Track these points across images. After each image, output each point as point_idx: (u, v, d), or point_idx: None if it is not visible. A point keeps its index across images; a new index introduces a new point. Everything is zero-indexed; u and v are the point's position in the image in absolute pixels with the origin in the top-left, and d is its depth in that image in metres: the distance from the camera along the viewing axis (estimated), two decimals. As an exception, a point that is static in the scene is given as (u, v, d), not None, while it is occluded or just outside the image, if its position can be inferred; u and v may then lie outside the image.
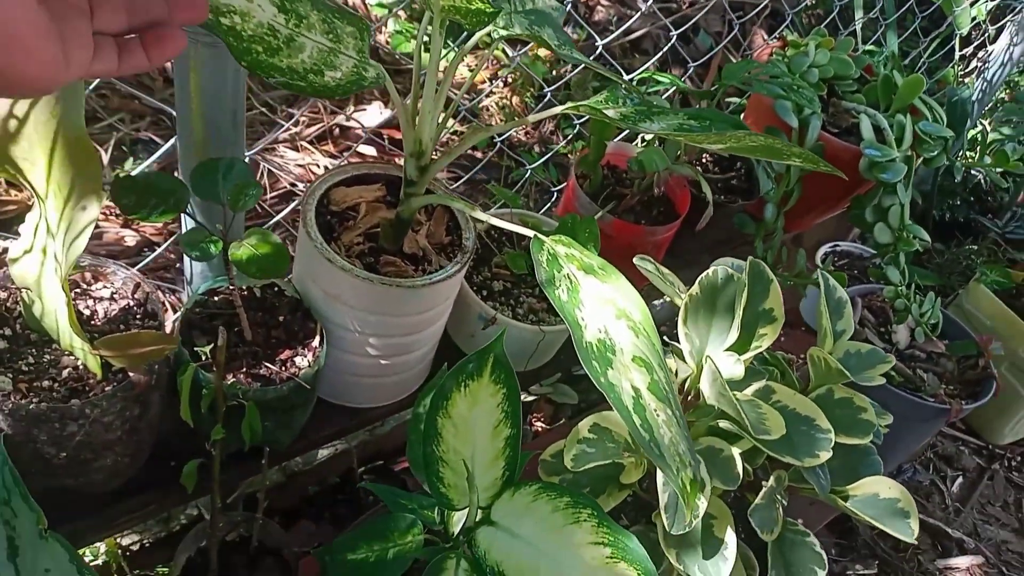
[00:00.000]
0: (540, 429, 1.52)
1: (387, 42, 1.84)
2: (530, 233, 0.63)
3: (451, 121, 0.70)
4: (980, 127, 2.16)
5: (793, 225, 1.38)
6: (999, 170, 1.48)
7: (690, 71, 1.59)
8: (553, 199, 1.49)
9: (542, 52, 1.96)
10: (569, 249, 0.62)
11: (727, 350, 0.72)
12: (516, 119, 1.70)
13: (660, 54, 1.83)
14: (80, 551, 1.18)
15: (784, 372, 0.82)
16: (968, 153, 2.07)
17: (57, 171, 0.64)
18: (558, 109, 0.66)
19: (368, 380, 0.93)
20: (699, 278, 0.74)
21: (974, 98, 2.03)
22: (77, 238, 0.65)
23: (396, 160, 1.77)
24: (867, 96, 1.31)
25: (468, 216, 0.90)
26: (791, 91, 1.14)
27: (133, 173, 0.69)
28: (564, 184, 1.47)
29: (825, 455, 0.72)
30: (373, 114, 1.77)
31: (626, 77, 1.06)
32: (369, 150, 1.77)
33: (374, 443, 1.37)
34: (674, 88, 1.21)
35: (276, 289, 0.86)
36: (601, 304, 0.58)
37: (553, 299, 0.57)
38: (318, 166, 1.68)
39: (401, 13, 1.97)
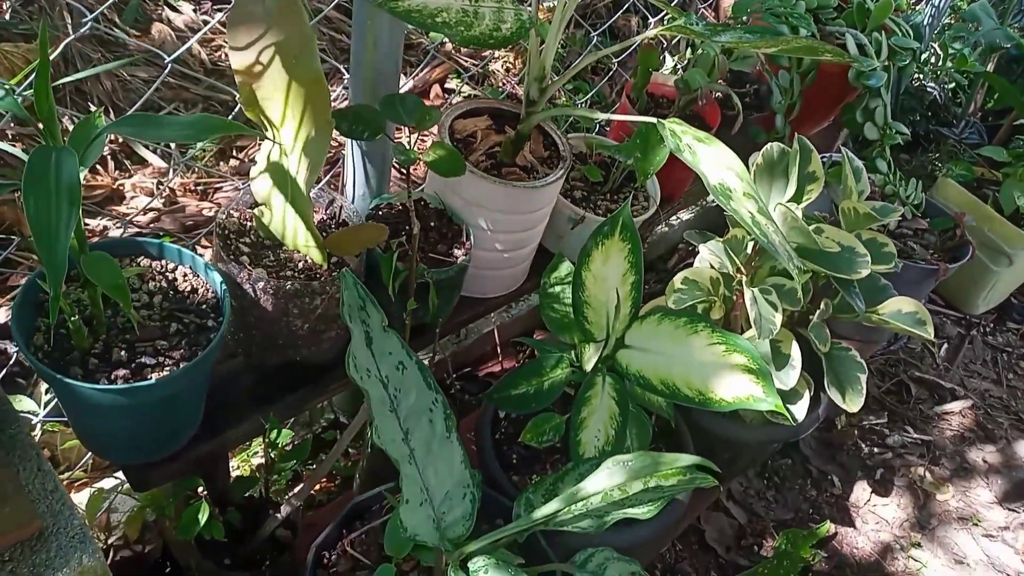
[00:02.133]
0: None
1: None
2: (653, 121, 0.86)
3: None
4: (932, 50, 2.45)
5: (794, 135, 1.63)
6: (961, 72, 1.75)
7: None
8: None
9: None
10: (682, 127, 0.86)
11: (788, 201, 0.97)
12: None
13: None
14: (250, 446, 1.40)
15: (820, 222, 1.07)
16: (922, 74, 2.35)
17: (296, 107, 0.86)
18: (658, 30, 0.89)
19: (490, 272, 1.17)
20: (761, 152, 0.98)
21: (925, 23, 2.31)
22: (315, 158, 0.87)
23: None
24: (845, 20, 1.56)
25: (562, 133, 1.14)
26: (789, 17, 1.39)
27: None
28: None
29: (865, 271, 0.98)
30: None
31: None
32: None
33: (462, 354, 1.60)
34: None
35: (423, 203, 1.09)
36: (713, 161, 0.82)
37: (684, 159, 0.81)
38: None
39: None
